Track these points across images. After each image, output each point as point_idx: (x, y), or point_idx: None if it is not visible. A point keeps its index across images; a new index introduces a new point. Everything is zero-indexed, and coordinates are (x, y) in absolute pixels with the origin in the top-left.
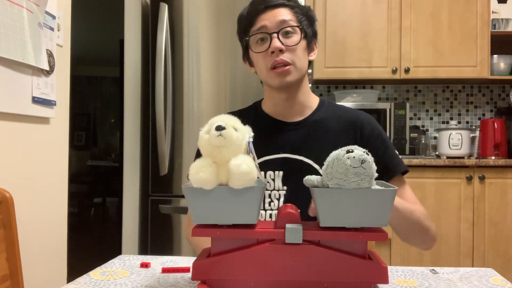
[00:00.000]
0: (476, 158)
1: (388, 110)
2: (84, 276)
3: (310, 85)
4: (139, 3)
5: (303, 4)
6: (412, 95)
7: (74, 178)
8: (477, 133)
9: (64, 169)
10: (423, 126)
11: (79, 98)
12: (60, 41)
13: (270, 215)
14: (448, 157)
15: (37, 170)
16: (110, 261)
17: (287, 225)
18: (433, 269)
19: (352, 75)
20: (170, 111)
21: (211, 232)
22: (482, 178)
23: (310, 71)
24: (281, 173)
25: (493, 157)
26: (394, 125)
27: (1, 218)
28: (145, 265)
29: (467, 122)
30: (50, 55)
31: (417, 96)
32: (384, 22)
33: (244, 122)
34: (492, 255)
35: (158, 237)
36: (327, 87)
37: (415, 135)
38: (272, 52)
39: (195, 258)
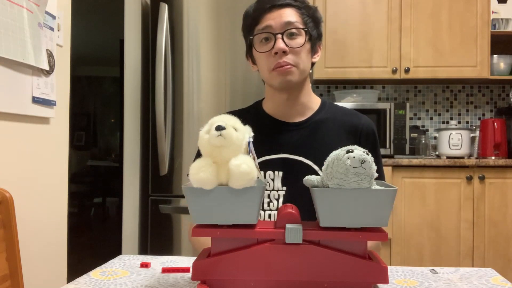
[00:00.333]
0: (476, 158)
1: (388, 110)
2: (84, 276)
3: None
4: (139, 3)
5: (310, 4)
6: (412, 95)
7: (74, 178)
8: (477, 133)
9: (64, 169)
10: (423, 126)
11: (79, 98)
12: (60, 41)
13: (269, 215)
14: (448, 157)
15: (37, 170)
16: (110, 261)
17: (287, 225)
18: (433, 269)
19: (352, 75)
20: (170, 111)
21: (211, 232)
22: (482, 178)
23: (310, 71)
24: (280, 173)
25: (493, 157)
26: (394, 125)
27: (1, 218)
28: (145, 265)
29: (467, 122)
30: (50, 55)
31: (417, 96)
32: (384, 22)
33: (245, 121)
34: (492, 255)
35: (158, 237)
36: (327, 87)
37: (415, 135)
38: (276, 53)
39: (195, 258)
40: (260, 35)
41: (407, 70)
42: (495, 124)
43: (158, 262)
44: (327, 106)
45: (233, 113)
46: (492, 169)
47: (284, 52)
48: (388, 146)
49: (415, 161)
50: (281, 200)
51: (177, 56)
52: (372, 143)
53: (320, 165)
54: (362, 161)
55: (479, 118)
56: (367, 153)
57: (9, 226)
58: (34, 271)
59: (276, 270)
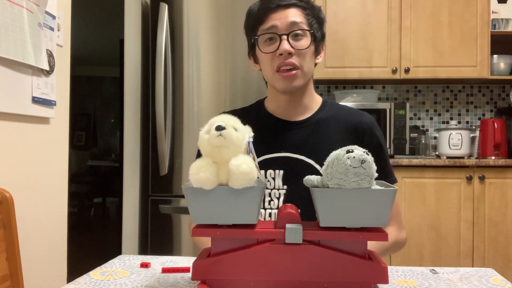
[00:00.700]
0: (476, 158)
1: (388, 110)
2: (84, 276)
3: None
4: (139, 3)
5: (314, 4)
6: (412, 95)
7: (74, 178)
8: (477, 133)
9: (64, 169)
10: (423, 126)
11: (79, 98)
12: (60, 41)
13: (270, 214)
14: (448, 157)
15: (37, 170)
16: (110, 261)
17: (287, 225)
18: (433, 269)
19: (352, 75)
20: (170, 111)
21: (211, 232)
22: (482, 178)
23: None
24: (281, 172)
25: (493, 157)
26: (394, 125)
27: (1, 218)
28: (145, 265)
29: (467, 122)
30: (50, 55)
31: (417, 96)
32: (384, 22)
33: (245, 121)
34: (492, 255)
35: (158, 237)
36: (327, 87)
37: (415, 135)
38: (281, 54)
39: (195, 258)
40: (264, 35)
41: (407, 70)
42: (495, 124)
43: (158, 262)
44: (329, 105)
45: (234, 112)
46: (492, 169)
47: (289, 54)
48: (388, 146)
49: (415, 161)
50: (281, 199)
51: (177, 56)
52: (377, 142)
53: (322, 164)
54: (362, 161)
55: (479, 118)
56: (367, 153)
57: (9, 226)
58: (34, 271)
59: (276, 270)
